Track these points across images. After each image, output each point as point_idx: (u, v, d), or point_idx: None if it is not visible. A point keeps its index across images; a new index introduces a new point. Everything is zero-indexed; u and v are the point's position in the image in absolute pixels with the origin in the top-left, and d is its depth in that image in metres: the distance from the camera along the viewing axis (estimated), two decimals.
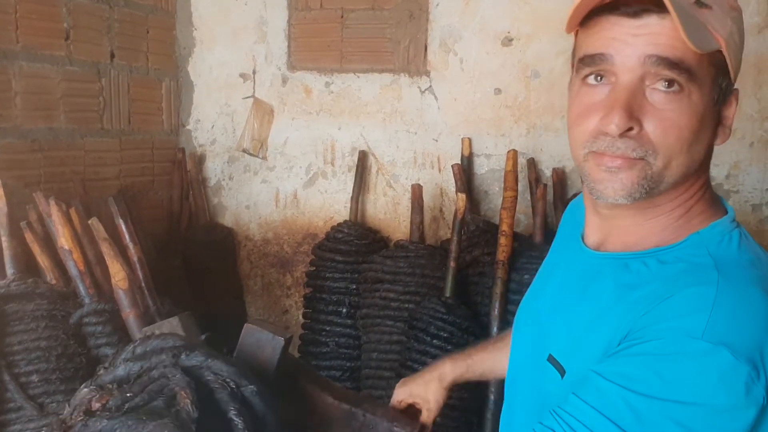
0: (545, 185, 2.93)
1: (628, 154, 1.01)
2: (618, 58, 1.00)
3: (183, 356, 1.11)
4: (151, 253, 2.79)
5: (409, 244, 2.99)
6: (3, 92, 2.48)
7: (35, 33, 2.60)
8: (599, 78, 1.04)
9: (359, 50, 3.25)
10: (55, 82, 2.70)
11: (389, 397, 2.69)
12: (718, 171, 2.92)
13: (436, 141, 3.20)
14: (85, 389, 1.04)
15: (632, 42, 0.99)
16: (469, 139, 3.09)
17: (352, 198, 3.26)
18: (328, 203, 3.39)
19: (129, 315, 2.08)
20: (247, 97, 3.42)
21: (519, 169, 2.89)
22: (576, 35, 1.10)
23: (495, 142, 3.12)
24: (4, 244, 2.22)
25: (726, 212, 1.11)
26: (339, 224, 3.21)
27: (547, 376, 1.11)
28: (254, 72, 3.42)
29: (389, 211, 3.33)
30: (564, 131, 3.11)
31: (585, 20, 1.05)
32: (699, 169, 1.07)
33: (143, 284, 2.27)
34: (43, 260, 2.26)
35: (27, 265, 2.26)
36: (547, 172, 3.07)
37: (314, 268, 3.17)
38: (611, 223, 1.12)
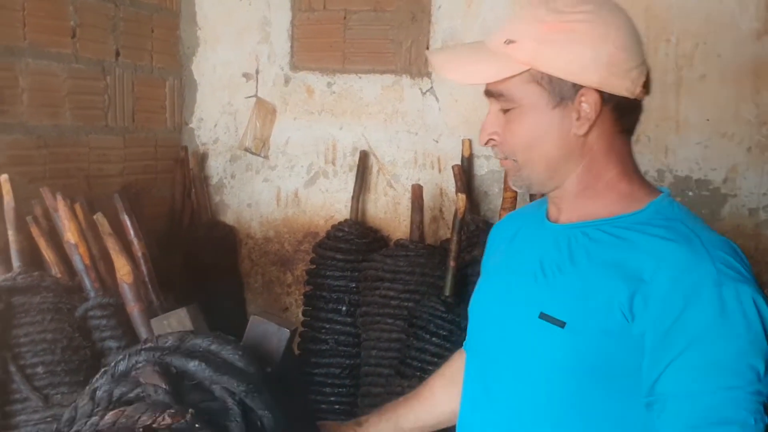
0: None
1: (499, 156, 1.36)
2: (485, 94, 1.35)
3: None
4: (154, 250, 2.82)
5: (409, 244, 3.02)
6: (10, 89, 2.51)
7: (42, 30, 2.63)
8: None
9: (361, 51, 3.29)
10: (61, 79, 2.73)
11: (388, 394, 2.73)
12: (715, 175, 2.96)
13: (437, 142, 3.23)
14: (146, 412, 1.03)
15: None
16: (470, 140, 3.12)
17: (352, 197, 3.29)
18: (329, 202, 3.42)
19: (133, 309, 2.11)
20: (250, 97, 3.45)
21: None
22: None
23: None
24: (11, 238, 2.25)
25: (657, 192, 1.36)
26: (339, 223, 3.24)
27: (542, 332, 1.27)
28: (257, 72, 3.45)
29: (389, 211, 3.36)
30: None
31: None
32: (577, 159, 1.32)
33: (147, 279, 2.31)
34: (48, 254, 2.29)
35: (33, 259, 2.29)
36: None
37: (315, 266, 3.20)
38: (555, 203, 1.39)
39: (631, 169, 1.36)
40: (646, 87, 1.34)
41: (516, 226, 1.52)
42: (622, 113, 1.31)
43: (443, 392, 1.67)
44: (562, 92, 1.27)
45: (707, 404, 1.14)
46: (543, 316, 1.28)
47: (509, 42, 1.27)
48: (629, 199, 1.33)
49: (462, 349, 1.66)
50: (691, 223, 1.29)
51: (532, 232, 1.44)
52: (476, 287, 1.55)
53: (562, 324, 1.26)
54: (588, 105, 1.27)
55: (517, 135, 1.31)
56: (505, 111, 1.31)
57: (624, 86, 1.28)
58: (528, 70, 1.26)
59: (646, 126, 2.99)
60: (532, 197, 2.94)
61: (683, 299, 1.17)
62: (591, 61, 1.25)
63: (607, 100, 1.28)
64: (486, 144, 1.36)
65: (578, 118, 1.28)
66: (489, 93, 1.33)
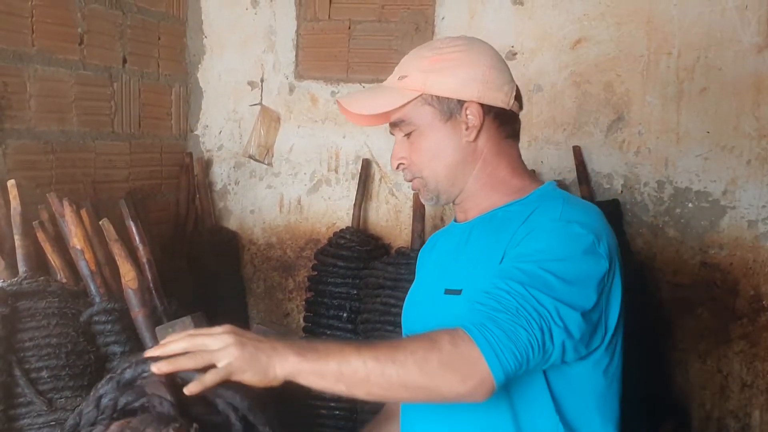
0: None
1: (408, 178, 1.61)
2: (390, 129, 1.62)
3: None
4: (158, 255, 2.84)
5: (410, 252, 3.04)
6: (18, 94, 2.53)
7: (50, 37, 2.66)
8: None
9: (365, 61, 3.32)
10: (68, 85, 2.76)
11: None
12: (714, 187, 2.98)
13: None
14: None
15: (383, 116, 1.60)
16: None
17: (354, 205, 3.31)
18: (331, 210, 3.45)
19: (138, 314, 2.13)
20: (255, 105, 3.48)
21: None
22: None
23: None
24: (17, 243, 2.26)
25: (539, 183, 1.64)
26: (341, 230, 3.27)
27: (447, 303, 1.53)
28: (262, 80, 3.48)
29: (391, 219, 3.38)
30: (565, 144, 3.19)
31: None
32: (471, 162, 1.58)
33: (152, 285, 2.33)
34: (54, 259, 2.31)
35: (38, 263, 2.31)
36: None
37: (316, 272, 3.22)
38: (461, 207, 1.64)
39: (521, 168, 1.66)
40: (519, 100, 1.63)
41: (434, 241, 1.78)
42: (502, 121, 1.59)
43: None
44: (450, 108, 1.55)
45: (486, 287, 1.41)
46: (447, 291, 1.55)
47: (402, 77, 1.57)
48: (520, 191, 1.60)
49: None
50: (561, 199, 1.56)
51: (446, 236, 1.71)
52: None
53: (458, 292, 1.52)
54: (473, 116, 1.55)
55: (421, 152, 1.57)
56: (408, 135, 1.57)
57: (499, 98, 1.57)
58: (420, 95, 1.54)
59: (647, 138, 3.03)
60: None
61: (526, 227, 1.47)
62: (470, 79, 1.54)
63: (487, 111, 1.56)
64: (397, 168, 1.61)
65: (467, 128, 1.55)
66: (393, 124, 1.58)
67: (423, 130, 1.56)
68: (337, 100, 1.64)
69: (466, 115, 1.56)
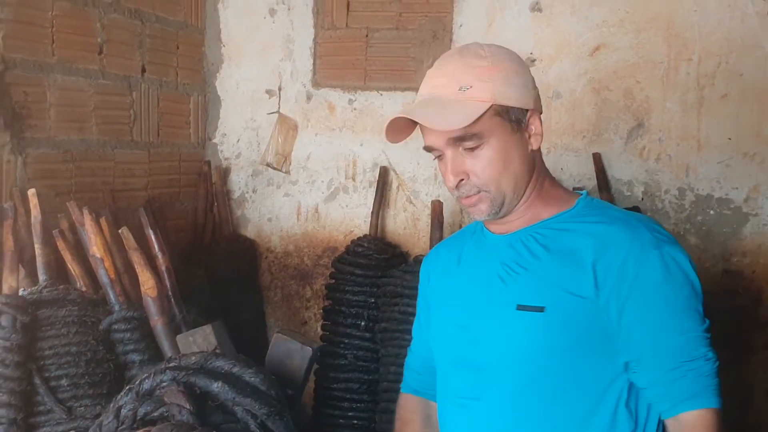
0: None
1: (468, 194, 1.52)
2: (436, 144, 1.52)
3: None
4: (176, 263, 2.85)
5: None
6: (38, 103, 2.55)
7: (70, 47, 2.68)
8: (440, 156, 1.54)
9: (383, 69, 3.31)
10: (88, 94, 2.77)
11: None
12: (736, 194, 2.95)
13: None
14: None
15: (437, 134, 1.50)
16: None
17: (372, 213, 3.31)
18: (349, 217, 3.44)
19: (157, 323, 2.14)
20: (272, 113, 3.48)
21: None
22: None
23: None
24: (37, 252, 2.28)
25: (578, 194, 1.61)
26: (359, 238, 3.26)
27: (523, 320, 1.49)
28: (280, 88, 3.48)
29: (409, 227, 3.37)
30: (585, 151, 3.16)
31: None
32: (531, 171, 1.55)
33: (170, 293, 2.33)
34: (74, 268, 2.32)
35: (58, 272, 2.33)
36: None
37: (334, 281, 3.22)
38: (505, 218, 1.58)
39: (552, 177, 1.65)
40: None
41: (454, 253, 1.72)
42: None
43: None
44: (518, 118, 1.51)
45: (674, 349, 1.42)
46: (521, 307, 1.50)
47: (464, 88, 1.48)
48: (561, 200, 1.59)
49: (406, 394, 1.87)
50: (614, 209, 1.62)
51: (480, 248, 1.65)
52: (434, 315, 1.73)
53: (540, 309, 1.48)
54: (535, 124, 1.53)
55: (492, 165, 1.50)
56: (472, 149, 1.49)
57: (540, 104, 1.57)
58: (491, 107, 1.48)
59: (667, 145, 3.00)
60: None
61: (635, 265, 1.44)
62: (524, 87, 1.53)
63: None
64: (456, 186, 1.52)
65: (530, 136, 1.53)
66: (458, 138, 1.48)
67: (492, 143, 1.50)
68: (407, 114, 1.55)
69: (529, 124, 1.53)
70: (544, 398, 1.50)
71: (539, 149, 1.58)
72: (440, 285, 1.74)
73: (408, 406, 1.86)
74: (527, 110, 1.53)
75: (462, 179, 1.51)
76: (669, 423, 1.47)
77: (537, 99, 1.56)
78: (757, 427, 3.03)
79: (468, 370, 1.58)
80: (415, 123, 1.55)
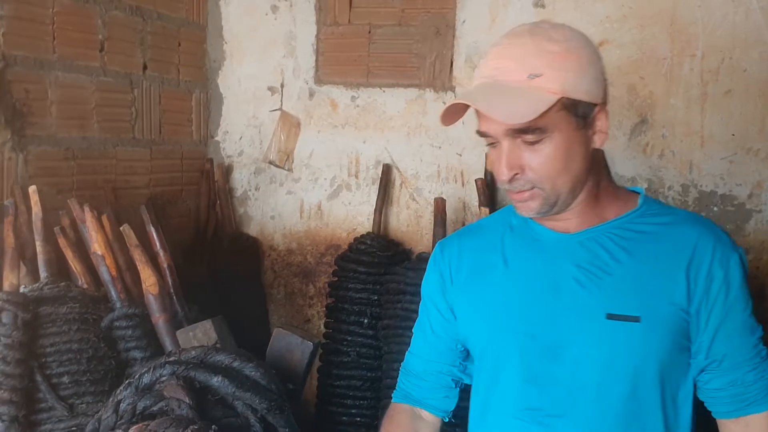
0: None
1: (521, 188, 1.40)
2: (492, 132, 1.39)
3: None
4: (178, 261, 2.85)
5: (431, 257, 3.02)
6: (39, 101, 2.54)
7: (71, 44, 2.67)
8: (494, 144, 1.42)
9: (385, 65, 3.30)
10: (89, 92, 2.77)
11: None
12: (740, 190, 2.93)
13: (460, 155, 3.23)
14: None
15: (495, 122, 1.36)
16: None
17: (375, 210, 3.30)
18: (352, 215, 3.44)
19: (159, 320, 2.13)
20: (275, 110, 3.48)
21: None
22: None
23: None
24: (38, 249, 2.28)
25: (635, 192, 1.55)
26: (362, 236, 3.25)
27: (616, 330, 1.40)
28: (282, 85, 3.47)
29: (412, 224, 3.36)
30: None
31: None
32: (591, 171, 1.44)
33: (172, 290, 2.33)
34: (75, 265, 2.32)
35: (60, 269, 2.32)
36: None
37: (337, 278, 3.21)
38: (561, 216, 1.47)
39: (610, 175, 1.55)
40: None
41: (493, 252, 1.57)
42: None
43: None
44: (585, 113, 1.39)
45: (750, 350, 1.44)
46: (611, 316, 1.41)
47: (534, 76, 1.34)
48: (622, 199, 1.51)
49: (397, 404, 1.76)
50: (675, 208, 1.58)
51: (538, 248, 1.51)
52: (477, 320, 1.58)
53: (637, 319, 1.40)
54: (602, 121, 1.41)
55: (551, 161, 1.38)
56: (532, 143, 1.37)
57: (607, 98, 1.44)
58: (560, 99, 1.34)
59: (671, 141, 2.99)
60: None
61: (721, 268, 1.41)
62: (595, 79, 1.40)
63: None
64: (510, 180, 1.40)
65: (594, 133, 1.41)
66: (519, 130, 1.35)
67: (555, 138, 1.37)
68: (460, 100, 1.39)
69: (596, 120, 1.42)
70: (636, 411, 1.44)
71: (602, 148, 1.48)
72: (479, 287, 1.59)
73: (396, 419, 1.75)
74: (595, 105, 1.40)
75: (517, 173, 1.40)
76: (731, 424, 1.47)
77: (606, 92, 1.44)
78: None
79: (546, 384, 1.47)
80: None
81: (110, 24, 2.85)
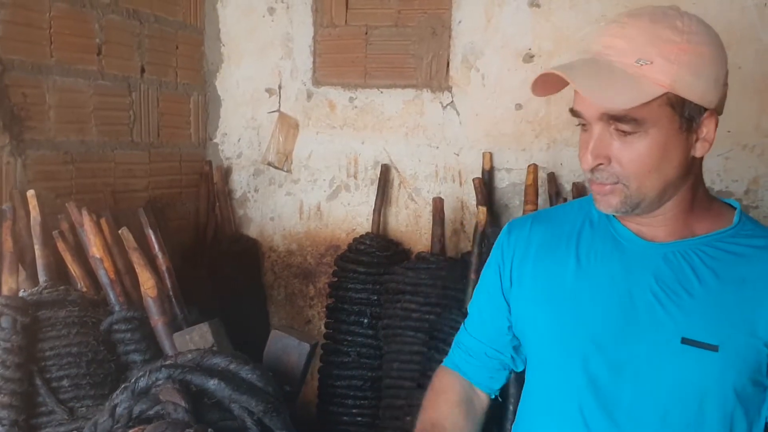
0: (565, 199, 2.96)
1: (603, 181, 1.31)
2: (586, 114, 1.30)
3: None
4: (178, 263, 2.85)
5: (430, 257, 3.03)
6: (37, 105, 2.55)
7: (68, 48, 2.68)
8: (584, 126, 1.34)
9: (383, 66, 3.31)
10: (87, 95, 2.77)
11: (410, 406, 2.73)
12: (737, 187, 2.94)
13: (458, 155, 3.24)
14: None
15: (590, 103, 1.28)
16: (490, 154, 3.13)
17: (374, 210, 3.31)
18: (351, 215, 3.44)
19: (158, 322, 2.14)
20: (273, 112, 3.48)
21: (539, 183, 2.94)
22: None
23: (516, 156, 3.16)
24: (37, 253, 2.28)
25: (728, 204, 1.44)
26: (361, 236, 3.26)
27: (690, 357, 1.30)
28: (280, 87, 3.48)
29: (411, 224, 3.37)
30: None
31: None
32: (685, 179, 1.34)
33: (171, 293, 2.34)
34: (74, 269, 2.32)
35: (59, 273, 2.32)
36: (567, 186, 3.11)
37: (337, 279, 3.22)
38: (646, 221, 1.37)
39: (706, 187, 1.43)
40: None
41: (565, 242, 1.47)
42: None
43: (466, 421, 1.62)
44: (692, 115, 1.28)
45: None
46: (687, 341, 1.30)
47: (642, 62, 1.24)
48: (716, 215, 1.39)
49: (447, 368, 1.68)
50: None
51: (619, 251, 1.41)
52: (539, 311, 1.48)
53: (714, 348, 1.28)
54: (709, 128, 1.30)
55: (641, 159, 1.28)
56: (625, 134, 1.27)
57: (723, 106, 1.33)
58: (666, 94, 1.25)
59: None
60: None
61: None
62: (713, 81, 1.28)
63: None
64: (592, 169, 1.31)
65: (697, 140, 1.30)
66: (615, 117, 1.26)
67: (652, 134, 1.27)
68: (558, 71, 1.27)
69: (703, 126, 1.30)
70: None
71: (702, 157, 1.36)
72: (545, 282, 1.49)
73: (446, 379, 1.67)
74: (706, 109, 1.29)
75: (601, 163, 1.30)
76: None
77: (722, 99, 1.33)
78: None
79: (607, 399, 1.38)
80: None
81: (107, 28, 2.85)
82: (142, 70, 3.07)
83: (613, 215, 1.41)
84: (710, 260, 1.33)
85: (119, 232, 2.28)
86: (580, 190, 3.04)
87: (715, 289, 1.31)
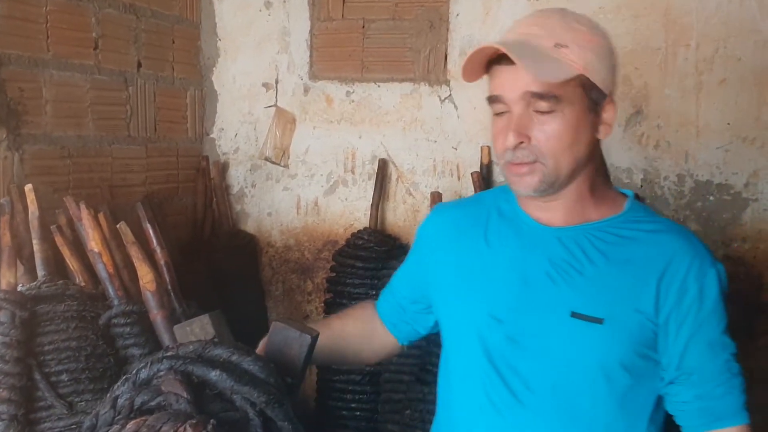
0: None
1: (523, 159, 1.40)
2: (507, 96, 1.39)
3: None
4: (176, 259, 2.84)
5: None
6: (34, 100, 2.54)
7: (65, 42, 2.66)
8: (501, 113, 1.43)
9: (380, 60, 3.30)
10: (83, 90, 2.76)
11: (409, 400, 2.73)
12: (736, 180, 2.94)
13: (456, 149, 3.24)
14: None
15: (513, 84, 1.38)
16: (488, 147, 3.12)
17: (372, 205, 3.30)
18: (349, 210, 3.44)
19: (157, 316, 2.13)
20: (270, 106, 3.47)
21: None
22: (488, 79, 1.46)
23: None
24: (35, 248, 2.27)
25: (624, 194, 1.55)
26: (359, 231, 3.25)
27: (577, 329, 1.42)
28: (277, 81, 3.47)
29: (408, 219, 3.36)
30: None
31: (488, 67, 1.43)
32: (590, 161, 1.46)
33: (170, 287, 2.32)
34: (72, 263, 2.31)
35: (57, 267, 2.31)
36: None
37: (334, 274, 3.21)
38: (548, 205, 1.49)
39: (607, 174, 1.57)
40: None
41: (476, 228, 1.59)
42: None
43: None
44: (597, 99, 1.42)
45: (722, 365, 1.43)
46: (575, 315, 1.42)
47: (560, 46, 1.37)
48: (611, 201, 1.52)
49: (370, 303, 1.85)
50: (660, 216, 1.56)
51: (519, 235, 1.53)
52: (450, 291, 1.60)
53: (600, 320, 1.41)
54: (609, 113, 1.44)
55: (559, 136, 1.39)
56: (544, 113, 1.38)
57: (615, 92, 1.47)
58: (579, 75, 1.37)
59: (666, 131, 2.99)
60: None
61: (696, 282, 1.41)
62: (612, 70, 1.43)
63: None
64: (515, 147, 1.40)
65: (601, 124, 1.44)
66: (537, 95, 1.36)
67: (567, 113, 1.39)
68: (494, 44, 1.38)
69: (604, 110, 1.44)
70: (588, 412, 1.45)
71: (599, 145, 1.50)
72: (459, 260, 1.61)
73: (362, 306, 1.87)
74: (606, 95, 1.43)
75: (522, 142, 1.39)
76: None
77: (615, 88, 1.47)
78: (760, 412, 3.02)
79: (506, 371, 1.49)
80: (488, 66, 1.43)
81: (104, 22, 2.84)
82: (139, 65, 3.06)
83: (517, 203, 1.55)
84: (600, 243, 1.45)
85: (117, 226, 2.27)
86: None
87: (603, 269, 1.43)
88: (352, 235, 3.25)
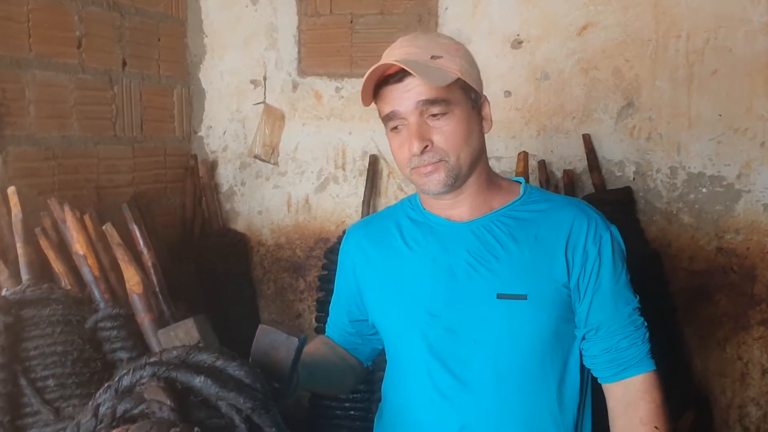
0: (556, 186, 2.93)
1: (429, 160, 1.53)
2: (402, 109, 1.53)
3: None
4: (165, 259, 2.81)
5: None
6: (17, 100, 2.50)
7: (48, 41, 2.63)
8: (397, 128, 1.56)
9: (369, 55, 3.27)
10: (68, 90, 2.73)
11: None
12: (728, 171, 2.92)
13: None
14: None
15: (406, 97, 1.51)
16: None
17: (363, 202, 3.27)
18: (340, 207, 3.41)
19: (144, 319, 2.10)
20: (258, 103, 3.44)
21: (530, 170, 2.90)
22: (377, 104, 1.59)
23: (505, 144, 3.13)
24: (19, 251, 2.24)
25: (516, 181, 1.70)
26: None
27: (505, 308, 1.55)
28: (265, 78, 3.44)
29: None
30: (575, 132, 3.14)
31: (375, 93, 1.57)
32: (483, 153, 1.62)
33: (157, 289, 2.29)
34: (57, 266, 2.27)
35: (42, 271, 2.28)
36: (558, 174, 3.08)
37: (327, 272, 3.18)
38: (456, 202, 1.62)
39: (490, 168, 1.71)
40: None
41: (394, 238, 1.70)
42: None
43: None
44: (475, 98, 1.58)
45: (624, 319, 1.59)
46: (501, 296, 1.56)
47: (436, 57, 1.53)
48: (507, 190, 1.66)
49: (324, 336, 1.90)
50: (554, 194, 1.73)
51: (435, 235, 1.65)
52: (383, 300, 1.70)
53: (524, 297, 1.55)
54: (486, 110, 1.61)
55: (455, 135, 1.53)
56: (438, 116, 1.52)
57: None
58: (458, 79, 1.53)
59: (658, 123, 2.97)
60: None
61: (594, 246, 1.57)
62: (479, 74, 1.61)
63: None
64: (422, 152, 1.52)
65: (484, 120, 1.61)
66: (430, 102, 1.51)
67: (457, 113, 1.54)
68: (392, 60, 1.50)
69: (483, 108, 1.61)
70: (528, 381, 1.59)
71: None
72: (384, 270, 1.70)
73: (321, 338, 1.88)
74: (480, 96, 1.60)
75: (427, 145, 1.53)
76: (612, 387, 1.61)
77: (482, 88, 1.64)
78: (755, 403, 3.01)
79: (448, 360, 1.60)
80: (377, 90, 1.56)
81: (87, 20, 2.80)
82: (124, 63, 3.02)
83: (423, 209, 1.67)
84: (507, 227, 1.60)
85: (103, 228, 2.23)
86: (570, 177, 3.02)
87: (516, 250, 1.57)
88: (344, 232, 3.22)
